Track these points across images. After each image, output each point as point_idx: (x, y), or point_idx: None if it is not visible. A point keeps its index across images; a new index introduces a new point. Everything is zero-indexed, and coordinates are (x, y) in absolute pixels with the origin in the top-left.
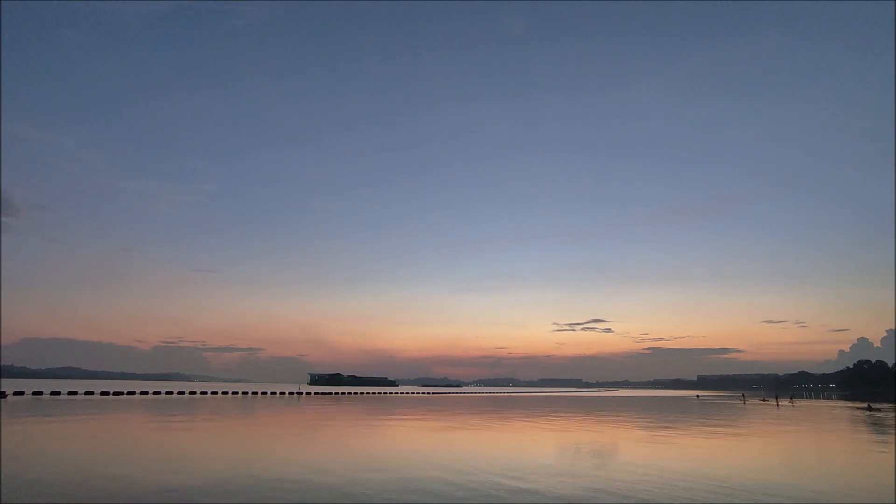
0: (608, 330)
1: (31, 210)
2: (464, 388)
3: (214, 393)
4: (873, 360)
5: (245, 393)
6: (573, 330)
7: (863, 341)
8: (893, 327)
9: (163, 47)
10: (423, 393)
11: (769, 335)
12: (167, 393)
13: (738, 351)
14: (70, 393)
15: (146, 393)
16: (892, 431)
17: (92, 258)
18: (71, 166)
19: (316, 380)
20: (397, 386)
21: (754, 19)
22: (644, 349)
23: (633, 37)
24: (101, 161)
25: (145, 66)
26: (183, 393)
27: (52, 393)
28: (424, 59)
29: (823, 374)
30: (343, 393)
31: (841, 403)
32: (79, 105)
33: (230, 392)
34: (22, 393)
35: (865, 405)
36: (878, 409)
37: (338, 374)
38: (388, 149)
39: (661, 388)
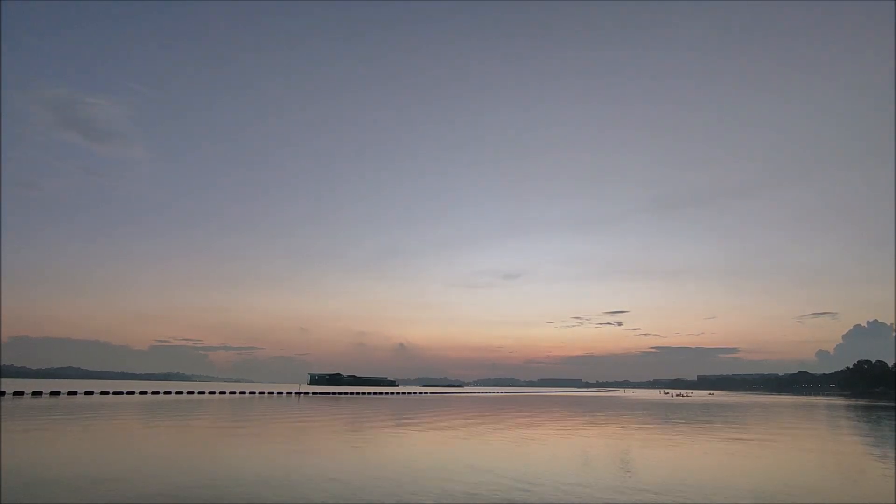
0: (619, 323)
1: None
2: (465, 388)
3: (221, 393)
4: (873, 360)
5: (252, 393)
6: (579, 325)
7: (878, 325)
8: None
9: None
10: (428, 392)
11: (773, 335)
12: (165, 393)
13: (741, 350)
14: (70, 393)
15: (145, 393)
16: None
17: (77, 252)
18: (46, 150)
19: (316, 380)
20: (397, 386)
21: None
22: (649, 347)
23: (644, 27)
24: (78, 147)
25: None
26: (181, 393)
27: (52, 393)
28: (421, 48)
29: (824, 374)
30: (344, 393)
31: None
32: (61, 83)
33: (235, 392)
34: (22, 394)
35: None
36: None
37: (338, 373)
38: (385, 143)
39: (660, 388)
